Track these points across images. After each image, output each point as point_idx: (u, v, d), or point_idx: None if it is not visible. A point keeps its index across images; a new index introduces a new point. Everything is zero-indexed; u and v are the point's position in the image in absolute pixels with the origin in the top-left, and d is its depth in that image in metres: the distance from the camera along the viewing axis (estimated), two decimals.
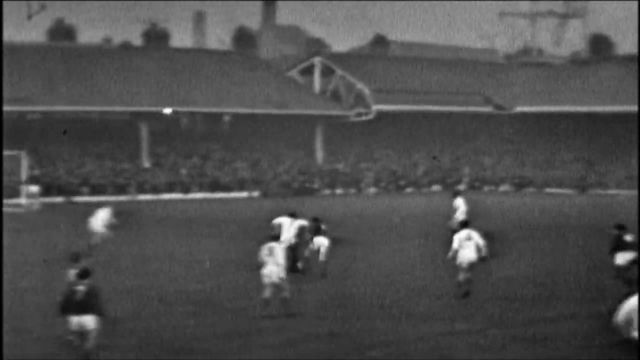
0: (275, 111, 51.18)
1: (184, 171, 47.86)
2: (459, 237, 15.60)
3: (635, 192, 42.71)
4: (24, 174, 40.08)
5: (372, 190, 50.99)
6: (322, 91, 55.63)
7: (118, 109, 48.06)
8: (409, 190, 51.64)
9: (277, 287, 14.01)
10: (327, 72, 55.59)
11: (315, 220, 19.23)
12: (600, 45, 67.96)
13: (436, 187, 52.17)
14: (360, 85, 53.74)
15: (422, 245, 23.74)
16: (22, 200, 38.40)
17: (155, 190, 45.10)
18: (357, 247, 23.34)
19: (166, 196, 44.51)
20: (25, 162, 40.19)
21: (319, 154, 53.12)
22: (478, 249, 15.46)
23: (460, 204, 24.76)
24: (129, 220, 23.53)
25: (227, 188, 47.29)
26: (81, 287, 10.51)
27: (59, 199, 41.31)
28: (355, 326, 13.38)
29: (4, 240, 20.85)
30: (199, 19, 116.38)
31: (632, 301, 10.92)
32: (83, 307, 10.41)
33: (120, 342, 11.98)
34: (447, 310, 14.59)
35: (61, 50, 52.42)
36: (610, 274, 16.81)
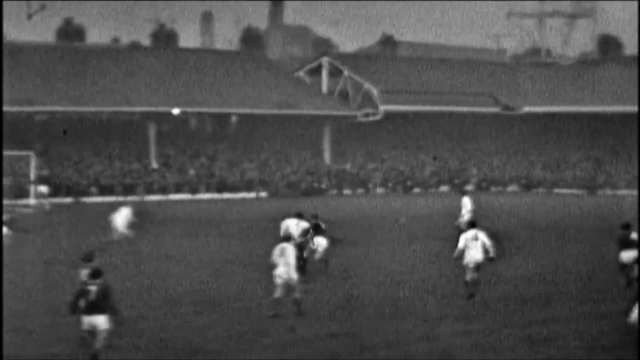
0: (282, 111, 51.27)
1: (191, 172, 47.99)
2: (465, 237, 15.60)
3: None
4: (33, 175, 40.30)
5: (380, 190, 50.97)
6: (329, 91, 55.67)
7: (126, 109, 48.25)
8: (416, 190, 51.59)
9: (289, 287, 14.02)
10: (334, 73, 55.63)
11: (315, 219, 19.22)
12: (609, 45, 67.74)
13: (444, 188, 52.10)
14: (367, 86, 53.74)
15: (429, 245, 23.73)
16: (32, 201, 38.60)
17: (163, 190, 45.24)
18: (364, 247, 23.35)
19: (174, 197, 44.65)
20: (34, 163, 40.41)
21: (327, 155, 53.16)
22: (485, 250, 15.44)
23: (466, 202, 24.81)
24: (137, 221, 23.59)
25: (234, 189, 47.39)
26: (93, 287, 10.53)
27: (67, 200, 41.48)
28: (362, 326, 13.40)
29: (13, 240, 20.93)
30: (207, 19, 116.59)
31: None
32: (95, 307, 10.44)
33: (128, 342, 12.03)
34: (454, 311, 14.58)
35: (70, 50, 52.69)
36: (619, 274, 16.84)
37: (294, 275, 14.07)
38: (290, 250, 14.13)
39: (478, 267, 15.51)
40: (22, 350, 11.88)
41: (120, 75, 49.16)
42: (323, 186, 49.82)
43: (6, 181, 40.82)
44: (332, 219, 31.44)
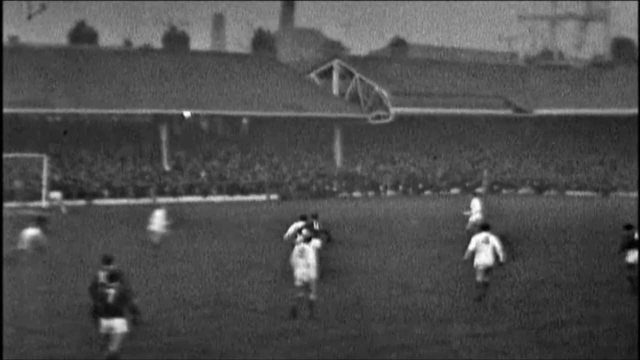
0: (293, 114, 51.32)
1: (203, 174, 48.12)
2: (476, 239, 15.57)
3: None
4: (45, 177, 40.51)
5: (391, 193, 50.91)
6: (340, 94, 55.67)
7: (139, 111, 48.46)
8: (427, 193, 51.49)
9: (306, 288, 14.01)
10: (345, 75, 55.64)
11: (314, 218, 19.22)
12: (622, 48, 67.35)
13: (455, 191, 51.98)
14: (378, 88, 53.71)
15: (440, 248, 23.69)
16: (44, 203, 38.79)
17: (174, 193, 45.37)
18: (374, 250, 23.35)
19: (186, 199, 44.76)
20: (46, 165, 40.60)
21: (338, 157, 53.15)
22: (495, 254, 15.40)
23: (475, 204, 24.85)
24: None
25: (246, 191, 47.47)
26: (111, 290, 10.63)
27: (80, 202, 41.63)
28: (373, 329, 13.40)
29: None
30: (218, 22, 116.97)
31: None
32: (112, 310, 10.53)
33: (139, 344, 12.08)
34: (466, 313, 14.55)
35: (82, 53, 52.99)
36: (624, 275, 16.80)
37: (314, 276, 14.03)
38: (310, 251, 14.10)
39: (488, 270, 15.47)
40: (28, 351, 11.99)
41: (132, 78, 49.38)
42: (334, 189, 49.82)
43: (17, 184, 41.07)
44: (343, 221, 31.49)
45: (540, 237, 26.60)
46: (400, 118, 53.21)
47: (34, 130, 47.24)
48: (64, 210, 37.00)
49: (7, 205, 37.52)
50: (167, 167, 47.71)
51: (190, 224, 31.20)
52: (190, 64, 53.29)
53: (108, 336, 10.60)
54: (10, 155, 40.09)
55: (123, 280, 11.26)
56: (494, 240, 15.48)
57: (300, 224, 19.04)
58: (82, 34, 59.79)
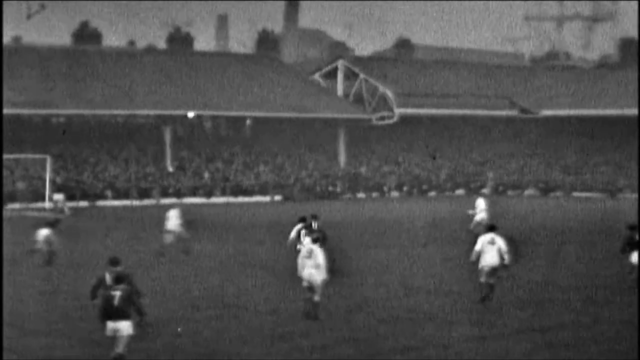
0: (298, 115, 51.36)
1: (206, 175, 48.18)
2: (482, 240, 15.57)
3: None
4: (48, 178, 40.59)
5: (395, 194, 50.91)
6: (345, 95, 55.70)
7: (142, 112, 48.53)
8: (432, 194, 51.47)
9: (313, 289, 14.00)
10: (350, 76, 55.66)
11: (313, 218, 19.29)
12: (629, 48, 67.19)
13: (460, 192, 51.95)
14: (383, 89, 53.72)
15: (444, 249, 23.68)
16: (47, 205, 38.87)
17: (178, 194, 45.43)
18: (379, 251, 23.35)
19: (189, 200, 44.82)
20: (50, 166, 40.68)
21: (342, 158, 53.17)
22: (501, 255, 15.40)
23: (479, 203, 24.90)
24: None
25: (249, 192, 47.51)
26: (117, 292, 10.66)
27: (83, 204, 41.70)
28: (377, 331, 13.41)
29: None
30: (222, 22, 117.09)
31: None
32: (118, 313, 10.56)
33: (143, 346, 12.11)
34: (471, 315, 14.55)
35: (86, 53, 53.12)
36: (628, 275, 16.82)
37: (321, 277, 14.01)
38: (319, 252, 14.08)
39: (493, 271, 15.46)
40: (29, 352, 12.03)
41: (135, 79, 49.49)
42: (338, 190, 49.84)
43: (20, 185, 41.16)
44: (347, 223, 31.50)
45: (546, 239, 26.56)
46: (404, 119, 53.20)
47: (36, 131, 47.36)
48: (66, 211, 37.09)
49: (10, 206, 37.70)
50: (170, 168, 47.77)
51: (193, 226, 31.22)
52: (194, 65, 53.38)
53: (114, 338, 10.63)
54: (13, 156, 40.20)
55: (130, 282, 11.32)
56: (500, 242, 15.47)
57: (300, 225, 19.11)
58: (86, 34, 59.90)
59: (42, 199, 39.89)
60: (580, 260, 21.69)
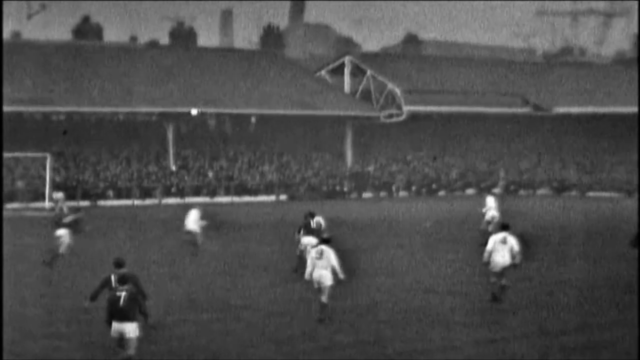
0: (303, 112, 51.32)
1: (210, 174, 48.21)
2: (494, 239, 15.53)
3: None
4: (49, 177, 40.67)
5: (403, 193, 50.83)
6: (352, 92, 55.65)
7: (144, 109, 48.56)
8: (441, 194, 51.39)
9: (321, 290, 13.96)
10: (357, 72, 55.59)
11: (311, 217, 19.35)
12: None
13: (470, 191, 51.84)
14: (391, 86, 53.64)
15: (454, 250, 23.62)
16: (47, 204, 38.97)
17: (181, 193, 45.47)
18: (387, 252, 23.31)
19: (192, 200, 44.81)
20: (50, 165, 40.75)
21: (349, 157, 53.13)
22: (512, 254, 15.35)
23: (489, 201, 24.87)
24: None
25: (254, 191, 47.51)
26: (122, 294, 10.72)
27: (84, 203, 41.75)
28: (385, 333, 13.37)
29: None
30: (226, 17, 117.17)
31: None
32: (124, 314, 10.61)
33: (145, 349, 12.10)
34: (482, 317, 14.50)
35: (87, 49, 53.23)
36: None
37: (338, 278, 13.96)
38: (330, 252, 14.03)
39: (504, 271, 15.42)
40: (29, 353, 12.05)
41: (137, 75, 49.55)
42: (345, 189, 49.81)
43: (20, 184, 41.25)
44: (354, 223, 31.46)
45: (559, 239, 26.47)
46: (413, 116, 53.11)
47: (36, 128, 47.46)
48: (65, 210, 37.20)
49: (10, 206, 37.80)
50: (173, 167, 47.83)
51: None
52: (198, 61, 53.41)
53: (120, 340, 10.66)
54: (12, 154, 40.30)
55: (135, 283, 11.35)
56: (512, 241, 15.43)
57: (317, 219, 19.23)
58: (87, 30, 60.11)
59: (42, 198, 39.96)
60: (594, 261, 21.59)
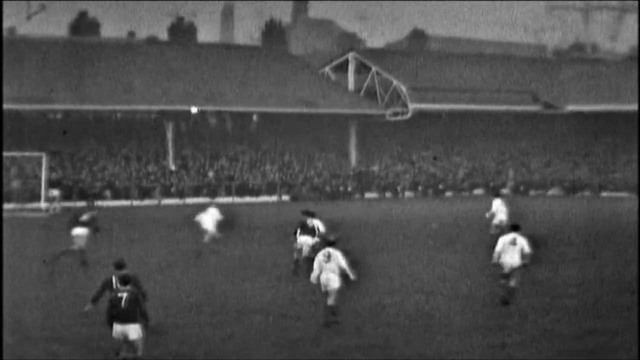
0: (306, 110, 51.40)
1: (211, 174, 48.30)
2: (503, 240, 15.58)
3: None
4: (44, 177, 40.78)
5: (409, 194, 50.87)
6: (356, 89, 55.71)
7: (143, 107, 48.68)
8: (448, 194, 51.41)
9: (328, 293, 14.02)
10: (361, 69, 55.65)
11: (308, 215, 19.60)
12: None
13: (478, 191, 51.85)
14: (396, 83, 53.68)
15: (462, 252, 23.65)
16: (43, 204, 39.07)
17: (180, 194, 45.57)
18: (393, 254, 23.35)
19: (192, 200, 44.94)
20: (45, 164, 40.85)
21: (353, 156, 53.19)
22: (522, 256, 15.40)
23: (496, 204, 24.89)
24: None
25: (256, 192, 47.61)
26: (124, 295, 10.82)
27: (81, 203, 41.85)
28: (391, 338, 13.41)
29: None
30: (227, 12, 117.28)
31: None
32: (126, 316, 10.71)
33: (144, 354, 12.16)
34: (490, 321, 14.53)
35: (83, 45, 53.37)
36: None
37: (338, 282, 14.02)
38: (338, 255, 14.10)
39: (513, 272, 15.45)
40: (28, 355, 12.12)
41: (136, 72, 49.67)
42: (349, 189, 49.86)
43: (16, 184, 41.36)
44: (358, 224, 31.51)
45: (570, 240, 26.47)
46: (419, 114, 53.14)
47: (32, 127, 47.60)
48: (57, 209, 37.32)
49: (5, 206, 37.88)
50: (173, 167, 47.94)
51: (196, 227, 31.32)
52: (198, 57, 53.53)
53: (122, 342, 10.73)
54: (8, 153, 40.40)
55: (137, 285, 11.46)
56: (523, 242, 15.47)
57: (314, 223, 19.44)
58: (84, 25, 60.25)
59: (38, 198, 40.07)
60: (606, 264, 21.60)
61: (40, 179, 41.01)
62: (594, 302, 16.28)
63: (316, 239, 19.55)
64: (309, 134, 53.77)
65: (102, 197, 43.41)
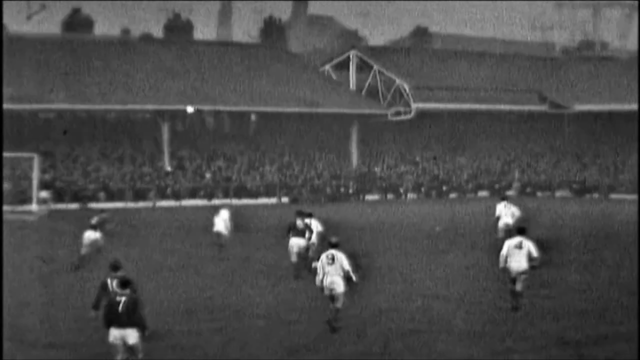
0: (306, 109, 51.40)
1: (208, 175, 48.29)
2: (508, 244, 15.55)
3: None
4: (36, 178, 40.77)
5: (412, 195, 50.86)
6: (358, 88, 55.73)
7: (138, 107, 48.68)
8: (452, 196, 51.40)
9: (335, 297, 14.02)
10: (363, 67, 55.68)
11: (300, 215, 19.74)
12: None
13: (483, 193, 51.85)
14: (399, 82, 53.69)
15: (467, 256, 23.62)
16: (34, 207, 39.05)
17: (176, 196, 45.55)
18: (395, 258, 23.32)
19: (189, 202, 44.93)
20: (37, 165, 40.83)
21: (354, 157, 53.18)
22: (530, 259, 15.36)
23: (499, 208, 24.93)
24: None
25: (254, 194, 47.60)
26: (123, 298, 10.76)
27: (73, 206, 41.83)
28: (393, 344, 13.38)
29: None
30: (225, 8, 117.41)
31: None
32: (124, 320, 10.65)
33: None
34: (497, 327, 14.49)
35: (76, 43, 53.38)
36: None
37: (343, 285, 14.01)
38: (342, 257, 14.09)
39: (519, 277, 15.42)
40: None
41: (130, 70, 49.69)
42: (350, 191, 49.86)
43: (6, 185, 41.32)
44: (359, 227, 31.48)
45: (578, 243, 26.44)
46: (422, 114, 53.14)
47: (23, 127, 47.61)
48: (44, 210, 37.31)
49: None
50: (168, 168, 47.93)
51: (193, 230, 31.31)
52: (194, 55, 53.55)
53: (118, 347, 10.70)
54: None
55: (133, 288, 11.41)
56: (530, 246, 15.43)
57: (312, 223, 19.54)
58: (77, 23, 60.27)
59: (30, 201, 40.05)
60: (617, 268, 21.56)
61: (31, 180, 40.99)
62: (603, 308, 16.24)
63: (313, 241, 19.60)
64: (309, 134, 53.77)
65: (95, 199, 43.40)
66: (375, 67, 54.78)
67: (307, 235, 19.51)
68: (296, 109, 51.35)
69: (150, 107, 48.41)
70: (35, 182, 40.68)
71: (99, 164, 46.86)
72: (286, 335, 13.93)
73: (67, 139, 47.74)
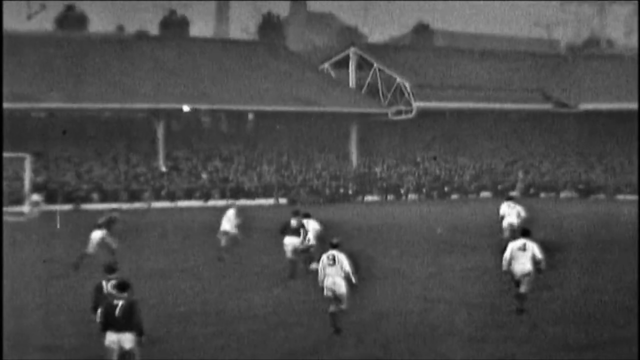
0: (305, 108, 51.48)
1: (204, 176, 48.36)
2: (512, 246, 15.61)
3: None
4: (28, 179, 40.83)
5: (413, 196, 50.94)
6: (358, 86, 55.80)
7: (132, 106, 48.75)
8: (454, 197, 51.47)
9: (338, 299, 14.08)
10: (363, 65, 55.76)
11: (295, 215, 20.05)
12: None
13: (485, 194, 51.92)
14: (400, 80, 53.77)
15: (469, 258, 23.68)
16: (26, 208, 39.11)
17: (172, 197, 45.62)
18: (396, 260, 23.38)
19: (184, 203, 45.00)
20: (29, 166, 40.88)
21: (354, 157, 53.26)
22: (535, 262, 15.42)
23: (503, 208, 25.00)
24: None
25: (251, 194, 47.66)
26: (120, 302, 10.76)
27: (67, 207, 41.86)
28: (394, 348, 13.43)
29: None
30: (222, 5, 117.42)
31: None
32: (122, 324, 10.65)
33: None
34: (500, 331, 14.55)
35: (70, 40, 53.42)
36: None
37: (345, 286, 14.08)
38: (343, 258, 14.17)
39: (523, 279, 15.48)
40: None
41: (125, 69, 49.75)
42: (349, 192, 49.93)
43: None
44: (359, 228, 31.55)
45: (584, 245, 26.51)
46: (424, 113, 53.22)
47: (14, 126, 47.63)
48: (36, 214, 37.35)
49: None
50: (163, 168, 47.99)
51: (189, 231, 31.38)
52: (191, 52, 53.61)
53: (114, 351, 10.75)
54: None
55: (132, 291, 11.45)
56: (534, 248, 15.49)
57: (312, 224, 19.65)
58: (70, 19, 60.26)
59: (21, 202, 40.12)
60: (622, 271, 21.63)
61: (23, 181, 41.05)
62: (608, 311, 16.30)
63: (309, 242, 19.70)
64: (308, 134, 53.84)
65: (89, 200, 43.47)
66: (376, 65, 54.86)
67: (301, 234, 19.66)
68: (295, 108, 51.43)
69: (145, 106, 48.46)
70: (27, 183, 40.74)
71: (93, 164, 46.92)
72: (284, 339, 13.99)
73: (59, 138, 47.77)
